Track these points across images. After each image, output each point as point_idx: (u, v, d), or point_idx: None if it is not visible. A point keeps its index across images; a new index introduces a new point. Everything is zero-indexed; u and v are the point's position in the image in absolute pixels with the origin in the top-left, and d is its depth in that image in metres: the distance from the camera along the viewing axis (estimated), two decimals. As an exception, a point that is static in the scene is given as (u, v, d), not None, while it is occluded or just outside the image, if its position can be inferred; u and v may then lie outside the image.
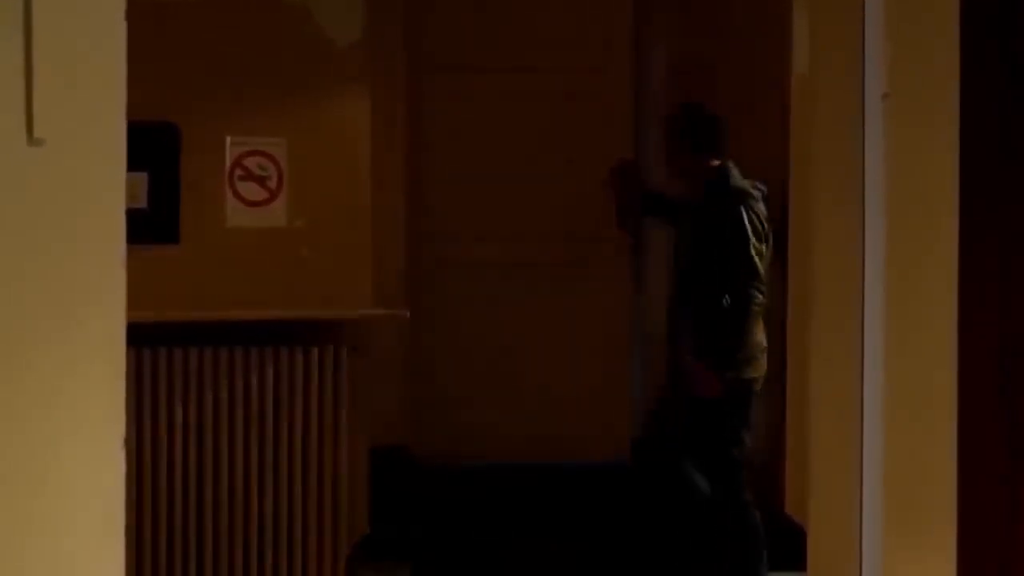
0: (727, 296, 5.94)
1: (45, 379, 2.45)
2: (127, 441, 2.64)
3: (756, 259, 5.94)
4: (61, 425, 2.49)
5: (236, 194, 6.20)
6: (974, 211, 3.73)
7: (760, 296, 5.97)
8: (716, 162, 6.10)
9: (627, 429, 7.53)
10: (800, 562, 4.50)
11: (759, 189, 6.10)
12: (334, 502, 6.09)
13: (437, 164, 7.62)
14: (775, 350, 6.54)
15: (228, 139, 6.18)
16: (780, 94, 6.85)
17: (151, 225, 6.03)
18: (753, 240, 5.94)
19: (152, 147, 5.99)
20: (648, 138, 7.43)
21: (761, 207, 6.03)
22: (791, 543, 5.42)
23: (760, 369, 6.05)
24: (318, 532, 6.09)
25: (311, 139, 6.28)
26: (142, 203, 6.01)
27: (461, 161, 7.62)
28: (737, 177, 6.07)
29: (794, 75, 6.62)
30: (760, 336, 6.04)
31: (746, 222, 5.95)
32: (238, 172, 6.20)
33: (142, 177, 6.02)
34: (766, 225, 6.01)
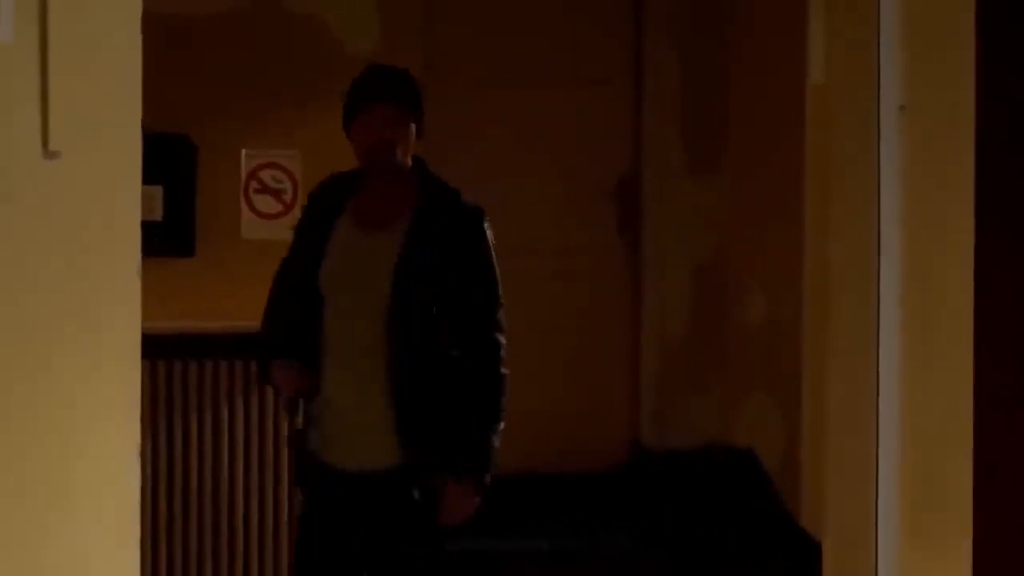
0: (458, 350, 4.16)
1: (61, 389, 2.45)
2: (142, 453, 2.65)
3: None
4: (77, 434, 2.49)
5: (251, 207, 6.21)
6: (991, 224, 3.72)
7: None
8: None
9: (627, 438, 7.55)
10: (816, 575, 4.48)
11: None
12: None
13: (449, 176, 7.61)
14: (791, 364, 6.50)
15: (243, 152, 6.19)
16: (795, 105, 6.83)
17: (166, 238, 6.04)
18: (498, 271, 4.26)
19: (167, 160, 6.00)
20: (657, 149, 7.46)
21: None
22: (807, 556, 5.41)
23: None
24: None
25: (326, 152, 6.27)
26: (157, 216, 6.02)
27: (472, 173, 7.61)
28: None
29: (809, 85, 6.61)
30: None
31: (491, 244, 4.28)
32: (253, 185, 6.20)
33: (157, 190, 6.03)
34: None
